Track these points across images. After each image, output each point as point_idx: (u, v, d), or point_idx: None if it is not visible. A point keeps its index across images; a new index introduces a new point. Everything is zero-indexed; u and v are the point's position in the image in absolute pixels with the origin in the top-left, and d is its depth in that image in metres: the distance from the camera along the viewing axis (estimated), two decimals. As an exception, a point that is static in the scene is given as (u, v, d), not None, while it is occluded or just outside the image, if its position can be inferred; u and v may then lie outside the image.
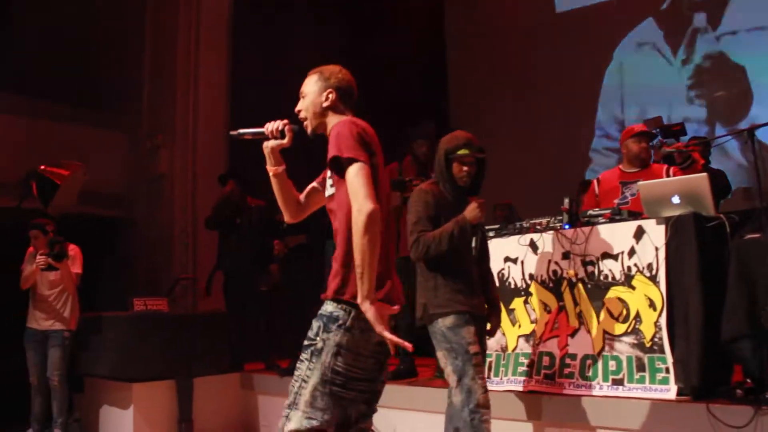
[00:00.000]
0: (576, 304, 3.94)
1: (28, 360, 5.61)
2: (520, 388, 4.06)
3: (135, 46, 8.65)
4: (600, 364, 3.79)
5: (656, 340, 3.59)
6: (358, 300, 2.28)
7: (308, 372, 2.34)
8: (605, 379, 3.75)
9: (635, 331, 3.68)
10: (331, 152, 2.36)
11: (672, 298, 3.58)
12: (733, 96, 6.89)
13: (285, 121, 2.62)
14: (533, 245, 4.18)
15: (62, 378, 5.57)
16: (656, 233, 3.66)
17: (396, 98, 8.16)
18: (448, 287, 3.38)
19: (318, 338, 2.36)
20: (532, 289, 4.17)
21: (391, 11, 9.05)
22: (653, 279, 3.64)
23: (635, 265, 3.73)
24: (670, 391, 3.46)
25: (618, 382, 3.69)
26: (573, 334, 3.94)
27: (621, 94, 7.58)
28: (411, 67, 8.55)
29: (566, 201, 4.08)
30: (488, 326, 3.62)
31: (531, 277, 4.18)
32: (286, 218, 2.81)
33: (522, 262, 4.23)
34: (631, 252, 3.75)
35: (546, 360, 4.02)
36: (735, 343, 3.35)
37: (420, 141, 5.24)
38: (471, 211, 3.39)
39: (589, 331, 3.87)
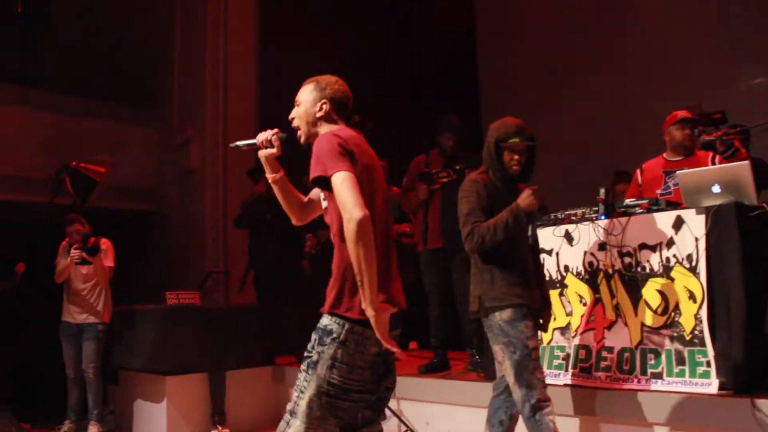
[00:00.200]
0: (613, 296, 3.87)
1: (64, 353, 5.69)
2: (556, 382, 3.99)
3: (165, 42, 8.70)
4: (638, 357, 3.71)
5: (697, 332, 3.50)
6: (363, 306, 2.30)
7: (305, 383, 2.39)
8: (643, 373, 3.67)
9: (674, 324, 3.59)
10: (313, 171, 2.37)
11: (713, 289, 3.48)
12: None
13: (275, 130, 2.67)
14: (568, 236, 4.10)
15: (97, 370, 5.63)
16: (696, 223, 3.57)
17: (425, 89, 8.11)
18: (505, 279, 3.27)
19: (314, 351, 2.39)
20: (567, 281, 4.10)
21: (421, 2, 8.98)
22: (693, 270, 3.55)
23: (674, 256, 3.64)
24: (712, 385, 3.38)
25: (657, 376, 3.61)
26: (610, 327, 3.87)
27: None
28: (440, 58, 8.48)
29: (602, 191, 3.99)
30: (540, 320, 3.48)
31: (566, 268, 4.11)
32: (293, 221, 2.86)
33: (557, 254, 4.16)
34: (670, 243, 3.66)
35: (582, 353, 3.95)
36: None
37: (447, 134, 5.19)
38: (524, 199, 3.28)
39: (626, 324, 3.80)
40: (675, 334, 3.58)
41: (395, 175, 6.18)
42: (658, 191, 4.29)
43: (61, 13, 8.13)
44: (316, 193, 2.76)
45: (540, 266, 3.64)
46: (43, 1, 7.97)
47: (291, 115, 2.69)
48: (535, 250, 3.56)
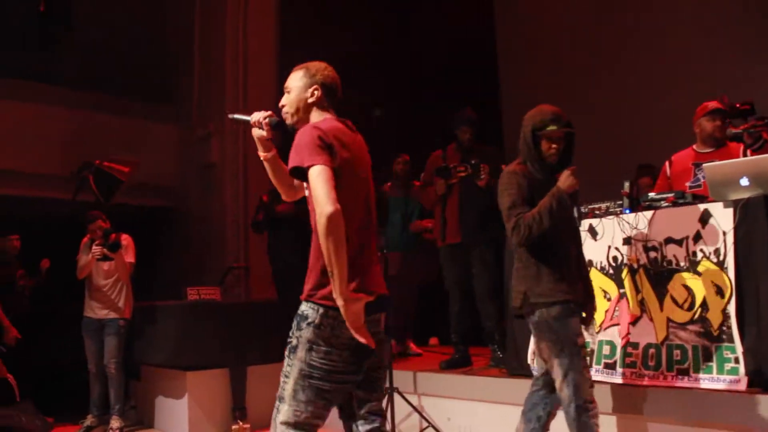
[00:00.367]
0: (638, 291, 3.81)
1: (86, 348, 5.72)
2: (579, 378, 3.93)
3: (185, 38, 8.72)
4: (664, 353, 3.65)
5: (724, 328, 3.43)
6: (334, 296, 2.35)
7: (288, 368, 2.46)
8: (669, 369, 3.61)
9: (701, 319, 3.52)
10: (291, 161, 2.43)
11: (741, 284, 3.41)
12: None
13: (269, 113, 2.70)
14: (592, 231, 4.05)
15: (118, 366, 5.65)
16: (723, 217, 3.50)
17: (445, 84, 8.05)
18: (551, 275, 3.15)
19: (293, 336, 2.47)
20: (591, 276, 4.00)
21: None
22: (720, 265, 3.48)
23: (701, 250, 3.57)
24: (740, 382, 3.31)
25: (683, 372, 3.55)
26: (634, 323, 3.81)
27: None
28: (459, 51, 8.41)
29: (626, 185, 3.93)
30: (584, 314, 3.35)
31: (590, 263, 4.03)
32: (283, 197, 2.90)
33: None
34: (697, 237, 3.59)
35: (606, 349, 3.90)
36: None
37: (463, 128, 5.15)
38: (564, 180, 3.17)
39: (651, 319, 3.74)
40: (702, 330, 3.51)
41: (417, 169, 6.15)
42: (687, 184, 4.21)
43: (81, 11, 8.17)
44: None
45: (583, 257, 3.48)
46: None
47: (281, 102, 2.71)
48: (578, 239, 3.43)
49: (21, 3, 7.51)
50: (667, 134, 6.06)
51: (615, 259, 3.92)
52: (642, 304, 3.79)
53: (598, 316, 3.98)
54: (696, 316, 3.55)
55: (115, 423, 5.58)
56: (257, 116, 2.71)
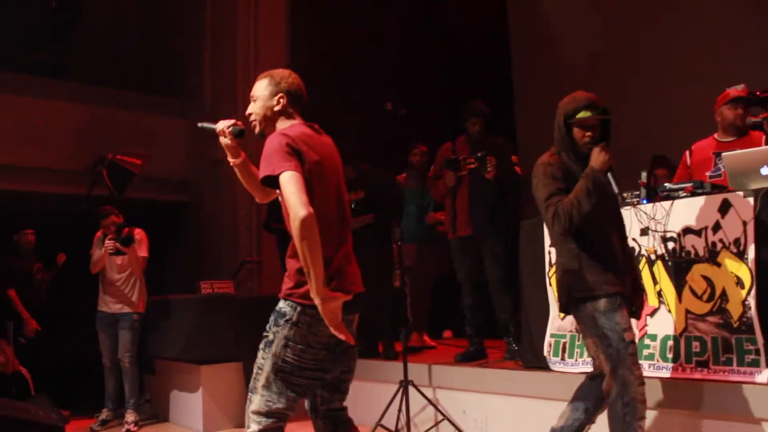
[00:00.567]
0: (656, 282, 3.76)
1: (100, 342, 5.75)
2: (597, 370, 3.90)
3: (196, 32, 8.71)
4: (682, 345, 3.60)
5: (744, 320, 3.38)
6: (311, 295, 2.43)
7: (262, 360, 2.57)
8: (688, 361, 3.56)
9: (721, 311, 3.47)
10: (262, 171, 2.50)
11: (762, 275, 3.35)
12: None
13: (233, 121, 2.78)
14: (609, 222, 3.99)
15: (132, 360, 5.67)
16: (744, 207, 3.43)
17: (456, 76, 8.01)
18: (596, 266, 3.01)
19: (270, 331, 2.57)
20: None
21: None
22: (741, 255, 3.42)
23: (720, 240, 3.51)
24: (762, 374, 3.26)
25: (702, 364, 3.50)
26: (653, 314, 3.77)
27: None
28: (471, 43, 8.36)
29: (643, 175, 3.88)
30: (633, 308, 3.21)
31: (606, 254, 4.00)
32: (257, 199, 2.98)
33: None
34: (716, 227, 3.53)
35: (623, 341, 3.85)
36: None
37: (472, 120, 5.10)
38: (596, 158, 3.01)
39: (670, 311, 3.69)
40: (722, 321, 3.46)
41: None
42: (707, 173, 4.16)
43: (92, 7, 8.17)
44: None
45: (627, 246, 3.33)
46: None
47: (248, 111, 2.77)
48: (621, 226, 3.27)
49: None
50: (683, 125, 6.01)
51: (632, 250, 3.87)
52: (660, 295, 3.74)
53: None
54: (715, 307, 3.50)
55: (130, 417, 5.61)
56: (222, 125, 2.78)
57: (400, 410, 4.62)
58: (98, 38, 8.05)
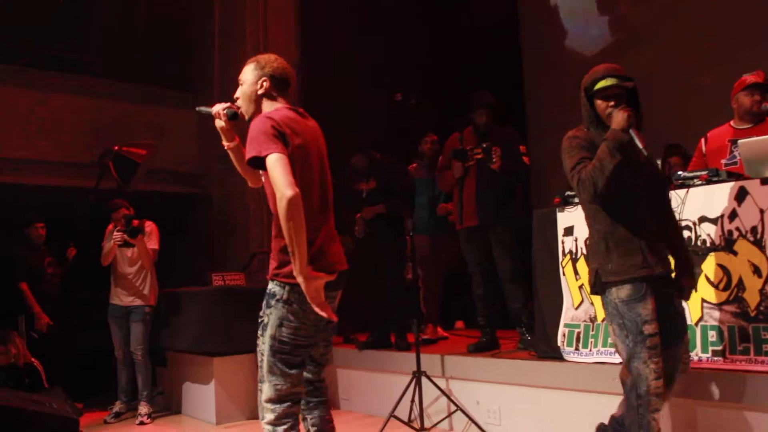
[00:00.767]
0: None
1: (112, 335, 5.77)
2: (611, 360, 3.87)
3: (205, 25, 8.68)
4: (698, 334, 3.57)
5: (762, 308, 3.34)
6: (294, 274, 2.51)
7: (262, 346, 2.66)
8: (704, 351, 3.54)
9: (738, 300, 3.44)
10: (248, 152, 2.58)
11: (780, 263, 3.32)
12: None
13: (227, 104, 2.87)
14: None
15: (145, 352, 5.69)
16: (761, 194, 3.39)
17: (468, 67, 7.94)
18: (623, 248, 2.88)
19: (264, 314, 2.66)
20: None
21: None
22: (758, 243, 3.39)
23: (737, 229, 3.47)
24: (780, 363, 3.23)
25: (718, 354, 3.47)
26: (668, 303, 3.72)
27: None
28: (483, 34, 8.29)
29: (657, 163, 3.83)
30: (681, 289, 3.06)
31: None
32: (249, 184, 3.04)
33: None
34: (733, 215, 3.49)
35: (639, 331, 3.82)
36: None
37: (480, 110, 5.08)
38: (615, 119, 2.85)
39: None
40: (738, 311, 3.43)
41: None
42: (723, 161, 4.11)
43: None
44: None
45: (672, 221, 3.13)
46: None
47: (236, 95, 2.86)
48: (658, 204, 3.05)
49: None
50: (698, 113, 5.95)
51: (679, 225, 3.79)
52: (675, 284, 3.70)
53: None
54: (732, 296, 3.46)
55: (143, 409, 5.62)
56: (217, 108, 2.87)
57: (413, 401, 4.61)
58: (107, 32, 8.05)
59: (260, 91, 2.77)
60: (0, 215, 6.22)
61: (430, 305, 6.07)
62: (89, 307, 6.15)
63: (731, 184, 3.54)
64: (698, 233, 3.62)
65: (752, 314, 3.37)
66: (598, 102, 2.98)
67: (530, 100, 8.17)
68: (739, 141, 3.64)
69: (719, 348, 3.48)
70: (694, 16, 6.80)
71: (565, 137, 3.06)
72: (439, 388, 4.63)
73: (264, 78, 2.77)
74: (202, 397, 5.68)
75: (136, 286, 5.73)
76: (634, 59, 7.26)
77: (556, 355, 4.25)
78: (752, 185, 3.44)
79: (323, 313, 2.54)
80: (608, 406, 3.85)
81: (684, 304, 3.18)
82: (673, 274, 3.04)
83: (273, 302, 2.63)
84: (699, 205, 3.62)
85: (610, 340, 3.94)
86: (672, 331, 2.96)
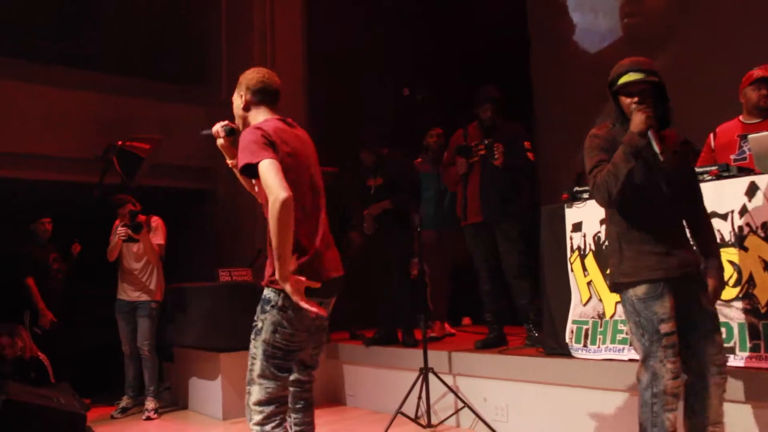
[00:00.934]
0: (680, 267, 3.68)
1: (119, 330, 5.78)
2: (620, 357, 3.86)
3: (212, 19, 8.67)
4: (708, 331, 3.53)
5: (773, 305, 3.31)
6: (276, 276, 2.58)
7: (255, 350, 2.72)
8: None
9: (748, 296, 3.40)
10: (241, 161, 2.66)
11: (791, 259, 3.28)
12: None
13: (225, 122, 3.00)
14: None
15: (151, 347, 5.69)
16: (772, 190, 3.36)
17: (475, 64, 7.90)
18: (635, 250, 2.84)
19: (258, 319, 2.73)
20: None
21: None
22: (769, 239, 3.35)
23: (747, 224, 3.44)
24: (791, 360, 3.20)
25: (729, 351, 3.41)
26: (677, 300, 3.69)
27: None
28: (490, 31, 8.25)
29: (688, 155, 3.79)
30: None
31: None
32: (260, 200, 2.96)
33: (620, 225, 3.98)
34: (743, 210, 3.46)
35: (648, 327, 3.79)
36: None
37: (485, 105, 5.04)
38: (633, 120, 2.77)
39: (695, 297, 3.62)
40: (749, 307, 3.39)
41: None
42: (732, 156, 4.06)
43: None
44: None
45: (702, 215, 3.03)
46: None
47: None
48: (679, 203, 2.93)
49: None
50: (706, 108, 5.89)
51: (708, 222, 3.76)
52: (685, 280, 3.67)
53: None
54: (742, 292, 3.43)
55: (150, 404, 5.63)
56: (216, 127, 3.00)
57: (420, 397, 4.60)
58: (114, 26, 8.03)
59: (242, 105, 2.93)
60: (4, 210, 6.23)
61: (437, 301, 6.05)
62: (95, 303, 6.16)
63: (741, 179, 3.50)
64: (708, 229, 3.58)
65: (763, 311, 3.34)
66: (623, 98, 2.89)
67: (538, 95, 8.12)
68: (749, 136, 3.62)
69: (729, 345, 3.43)
70: (704, 9, 6.74)
71: (587, 135, 3.01)
72: (446, 384, 4.61)
73: (242, 93, 2.92)
74: (208, 393, 5.68)
75: (142, 281, 5.73)
76: (643, 53, 7.22)
77: (564, 352, 4.22)
78: (763, 180, 3.40)
79: (312, 309, 2.59)
80: (617, 403, 3.85)
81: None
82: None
83: (268, 308, 2.70)
84: (709, 200, 3.54)
85: (618, 337, 3.93)
86: (696, 331, 2.87)
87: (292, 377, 2.90)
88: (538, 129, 7.77)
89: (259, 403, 2.69)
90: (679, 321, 2.81)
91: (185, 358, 6.12)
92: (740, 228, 3.46)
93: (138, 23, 8.23)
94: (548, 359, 4.30)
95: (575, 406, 4.09)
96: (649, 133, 2.75)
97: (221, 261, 6.93)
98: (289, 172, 2.65)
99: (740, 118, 4.25)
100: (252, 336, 2.73)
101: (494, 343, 4.94)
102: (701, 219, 3.04)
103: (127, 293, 5.74)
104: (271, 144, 2.66)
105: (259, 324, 2.71)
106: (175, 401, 6.17)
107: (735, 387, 3.31)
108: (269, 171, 2.56)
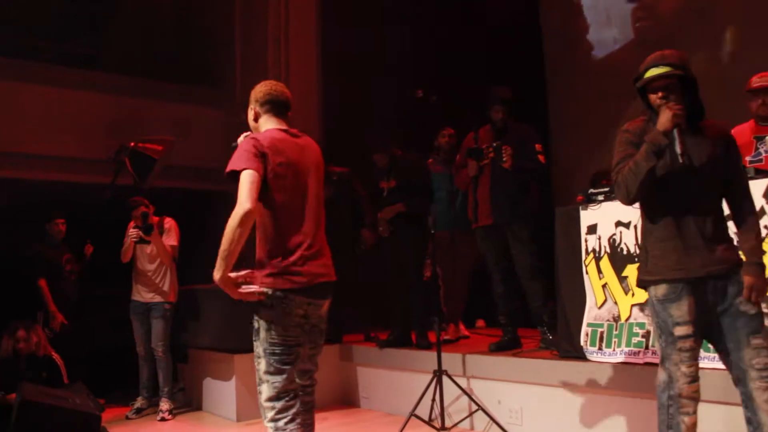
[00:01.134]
0: (697, 270, 3.64)
1: (134, 331, 5.79)
2: (635, 360, 3.82)
3: (226, 21, 8.70)
4: (725, 334, 3.49)
5: (792, 308, 3.26)
6: (214, 272, 2.78)
7: (257, 349, 2.92)
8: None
9: (766, 299, 3.36)
10: (228, 167, 2.88)
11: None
12: None
13: (248, 133, 3.15)
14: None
15: (165, 349, 5.71)
16: (790, 191, 3.32)
17: (490, 64, 7.88)
18: (658, 249, 2.76)
19: (254, 321, 2.93)
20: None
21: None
22: (787, 242, 3.31)
23: (765, 227, 3.40)
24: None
25: None
26: (693, 303, 3.65)
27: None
28: (505, 32, 8.23)
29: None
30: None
31: (645, 241, 3.90)
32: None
33: (635, 227, 3.94)
34: (761, 212, 3.42)
35: (663, 331, 3.75)
36: None
37: (496, 107, 5.02)
38: (659, 119, 2.68)
39: (712, 300, 3.57)
40: (766, 311, 3.35)
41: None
42: (748, 158, 4.02)
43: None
44: None
45: (744, 212, 2.83)
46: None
47: None
48: (706, 202, 2.75)
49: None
50: (720, 109, 5.84)
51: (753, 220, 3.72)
52: (701, 283, 3.62)
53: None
54: (760, 295, 3.38)
55: (164, 405, 5.65)
56: (241, 138, 3.15)
57: (434, 400, 4.58)
58: (129, 28, 8.07)
59: (252, 117, 3.15)
60: (18, 211, 6.27)
61: (452, 303, 6.01)
62: (108, 304, 6.19)
63: (759, 181, 3.46)
64: (725, 231, 3.53)
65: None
66: (650, 94, 2.79)
67: (552, 96, 8.09)
68: (767, 138, 3.58)
69: None
70: (720, 8, 6.69)
71: (619, 130, 2.93)
72: (460, 387, 4.59)
73: (251, 107, 3.14)
74: (222, 394, 5.69)
75: (155, 282, 5.76)
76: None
77: (578, 355, 4.19)
78: (781, 182, 3.37)
79: (240, 294, 2.84)
80: (632, 407, 3.82)
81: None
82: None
83: (259, 308, 2.91)
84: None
85: (634, 340, 3.90)
86: (731, 335, 2.73)
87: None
88: (553, 130, 7.74)
89: (270, 399, 2.87)
90: (705, 324, 2.73)
91: (199, 359, 6.14)
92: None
93: (152, 25, 8.27)
94: (563, 362, 4.27)
95: (590, 410, 4.06)
96: (674, 132, 2.66)
97: (235, 262, 6.94)
98: (279, 179, 2.89)
99: (755, 120, 4.21)
100: (253, 338, 2.93)
101: (508, 346, 4.91)
102: (741, 214, 2.84)
103: (141, 294, 5.77)
104: (260, 155, 2.85)
105: (256, 324, 2.92)
106: (189, 402, 6.19)
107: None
108: (245, 181, 2.79)
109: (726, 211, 2.84)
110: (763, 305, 2.82)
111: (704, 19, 6.78)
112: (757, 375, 2.67)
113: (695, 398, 2.72)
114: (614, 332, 4.02)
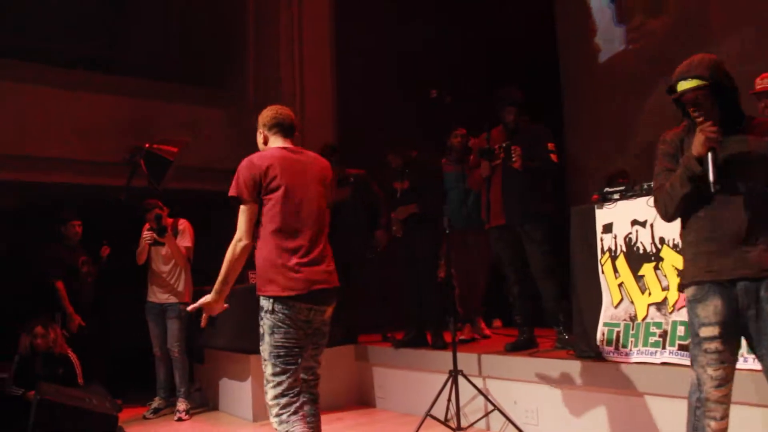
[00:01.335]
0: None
1: (150, 332, 5.83)
2: (653, 360, 3.80)
3: (239, 23, 8.72)
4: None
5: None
6: (213, 292, 3.24)
7: (263, 353, 3.14)
8: (749, 351, 3.42)
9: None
10: (231, 190, 3.20)
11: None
12: None
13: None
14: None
15: (182, 349, 5.74)
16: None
17: (504, 66, 7.86)
18: (691, 252, 2.74)
19: (260, 326, 3.15)
20: (663, 254, 3.87)
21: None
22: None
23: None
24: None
25: None
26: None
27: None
28: (519, 32, 8.20)
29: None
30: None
31: (662, 240, 3.88)
32: None
33: (651, 225, 3.93)
34: None
35: (681, 330, 3.73)
36: None
37: (508, 108, 5.00)
38: (694, 141, 2.60)
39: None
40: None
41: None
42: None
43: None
44: None
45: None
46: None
47: None
48: (738, 205, 2.64)
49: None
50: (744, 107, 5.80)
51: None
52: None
53: (672, 296, 3.82)
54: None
55: (181, 405, 5.68)
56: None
57: (449, 400, 4.58)
58: (141, 31, 8.11)
59: (261, 139, 3.43)
60: (34, 213, 6.31)
61: (467, 303, 6.00)
62: (125, 305, 6.22)
63: None
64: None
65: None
66: (686, 107, 2.72)
67: (568, 96, 8.05)
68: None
69: None
70: (736, 6, 6.64)
71: (660, 138, 2.88)
72: (476, 387, 4.58)
73: (259, 130, 3.43)
74: (239, 394, 5.71)
75: (170, 283, 5.79)
76: (673, 52, 7.13)
77: (595, 355, 4.18)
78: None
79: (192, 305, 3.39)
80: (649, 407, 3.80)
81: None
82: None
83: (263, 314, 3.14)
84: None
85: (651, 340, 3.87)
86: (757, 338, 2.65)
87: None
88: (568, 129, 7.70)
89: (275, 397, 3.07)
90: (740, 327, 2.66)
91: (215, 359, 6.16)
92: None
93: (165, 28, 8.32)
94: (579, 362, 4.25)
95: (606, 410, 4.05)
96: (709, 157, 2.57)
97: (250, 263, 6.97)
98: (275, 196, 3.16)
99: None
100: (260, 342, 3.14)
101: (524, 346, 4.89)
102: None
103: (157, 295, 5.80)
104: (257, 182, 3.15)
105: (261, 329, 3.14)
106: (205, 402, 6.22)
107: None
108: (243, 215, 3.16)
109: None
110: None
111: (721, 15, 6.73)
112: None
113: (723, 402, 2.66)
114: (631, 332, 4.00)
